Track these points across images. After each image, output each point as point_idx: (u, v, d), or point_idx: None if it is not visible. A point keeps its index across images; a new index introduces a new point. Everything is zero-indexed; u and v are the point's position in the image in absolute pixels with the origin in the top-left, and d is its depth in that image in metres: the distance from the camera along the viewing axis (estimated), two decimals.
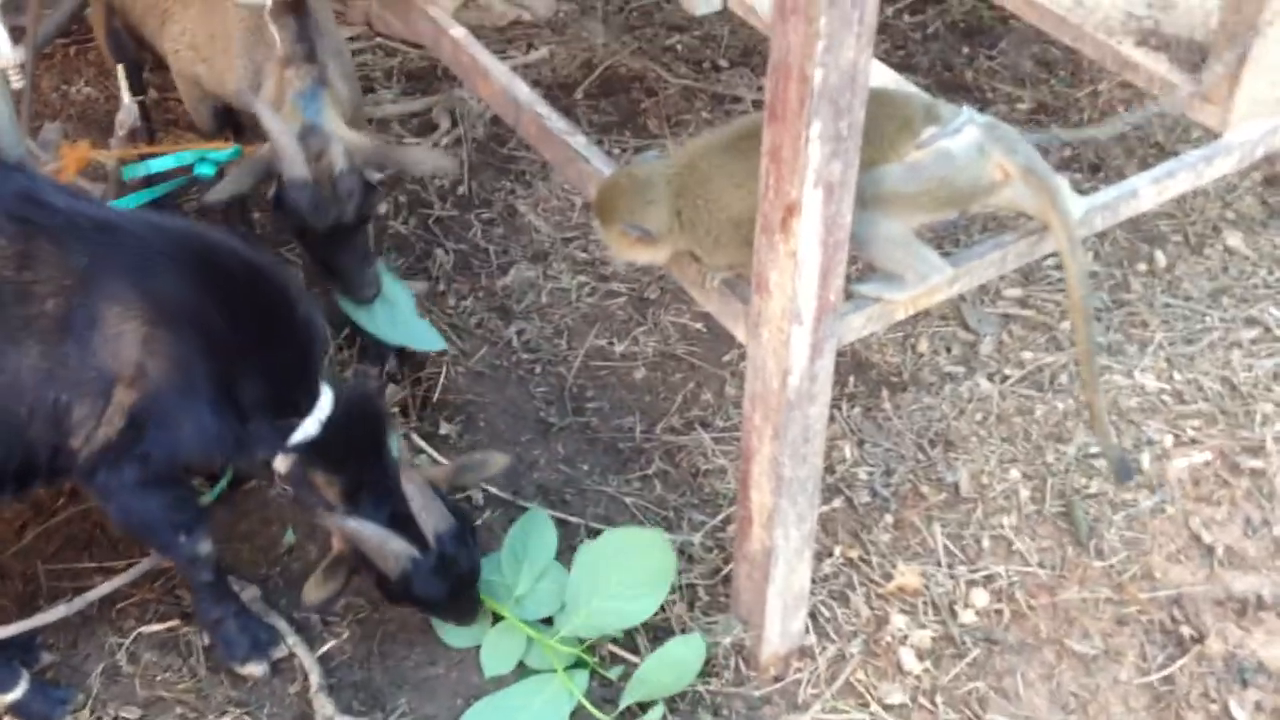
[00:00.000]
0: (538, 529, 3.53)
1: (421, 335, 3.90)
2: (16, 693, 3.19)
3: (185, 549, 3.16)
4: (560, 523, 3.62)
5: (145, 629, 3.43)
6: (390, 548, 3.12)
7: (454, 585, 3.26)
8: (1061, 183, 3.12)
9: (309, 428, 3.11)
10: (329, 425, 3.13)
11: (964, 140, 2.97)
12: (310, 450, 3.14)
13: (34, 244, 2.80)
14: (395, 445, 3.31)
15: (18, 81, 3.39)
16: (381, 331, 3.83)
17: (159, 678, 3.35)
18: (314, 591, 3.22)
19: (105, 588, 3.42)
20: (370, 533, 3.12)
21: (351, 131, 3.60)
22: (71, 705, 3.26)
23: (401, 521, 3.17)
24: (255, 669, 3.32)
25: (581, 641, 3.34)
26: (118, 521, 3.14)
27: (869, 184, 2.87)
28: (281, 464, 3.16)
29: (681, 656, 3.29)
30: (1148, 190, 3.41)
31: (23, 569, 3.53)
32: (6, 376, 2.79)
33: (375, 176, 3.63)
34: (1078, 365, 3.14)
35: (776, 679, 3.34)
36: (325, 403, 3.14)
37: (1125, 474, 3.55)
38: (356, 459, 3.20)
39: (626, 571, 3.38)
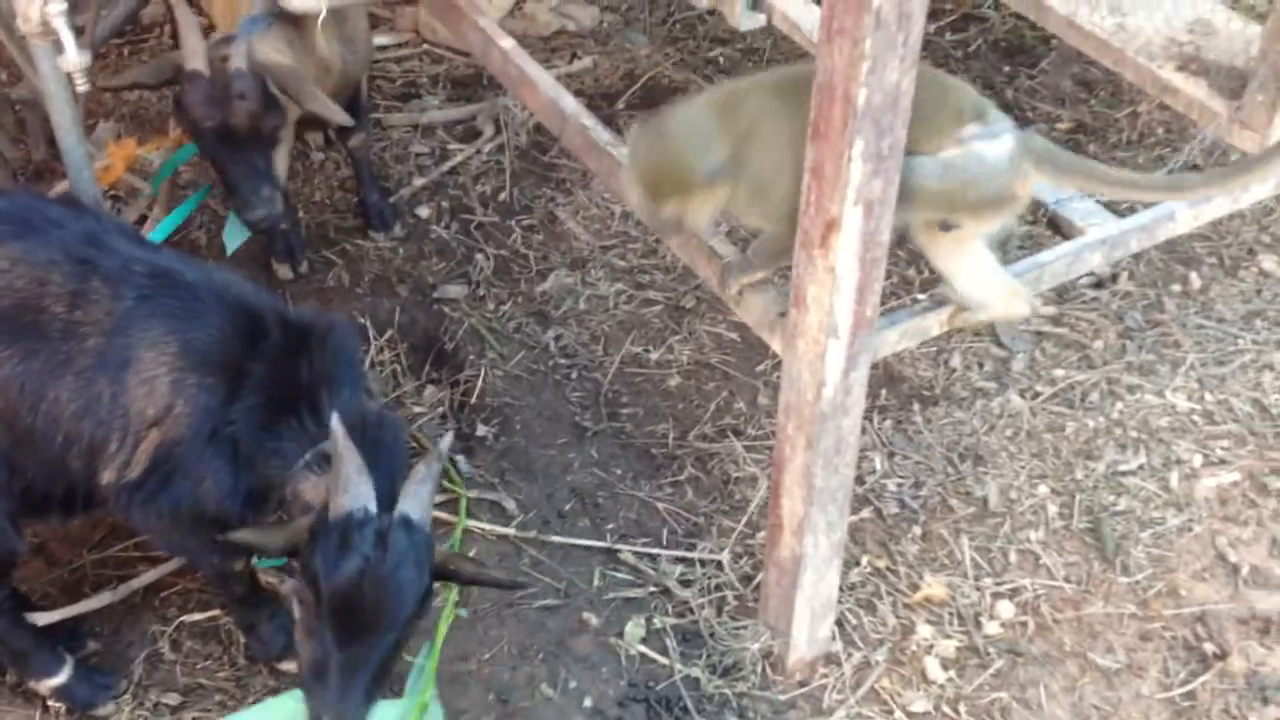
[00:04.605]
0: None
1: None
2: (61, 677, 3.27)
3: (217, 568, 3.22)
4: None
5: (187, 617, 3.51)
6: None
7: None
8: None
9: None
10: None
11: (1000, 147, 2.92)
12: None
13: (89, 284, 2.92)
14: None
15: (81, 85, 3.49)
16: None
17: (199, 665, 3.43)
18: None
19: (148, 576, 3.51)
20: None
21: (276, 53, 3.63)
22: (114, 691, 3.34)
23: None
24: (293, 665, 3.35)
25: None
26: (157, 544, 3.19)
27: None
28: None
29: None
30: (1184, 214, 3.45)
31: (69, 557, 3.62)
32: (46, 406, 2.91)
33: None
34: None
35: (802, 684, 3.40)
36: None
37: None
38: None
39: None
